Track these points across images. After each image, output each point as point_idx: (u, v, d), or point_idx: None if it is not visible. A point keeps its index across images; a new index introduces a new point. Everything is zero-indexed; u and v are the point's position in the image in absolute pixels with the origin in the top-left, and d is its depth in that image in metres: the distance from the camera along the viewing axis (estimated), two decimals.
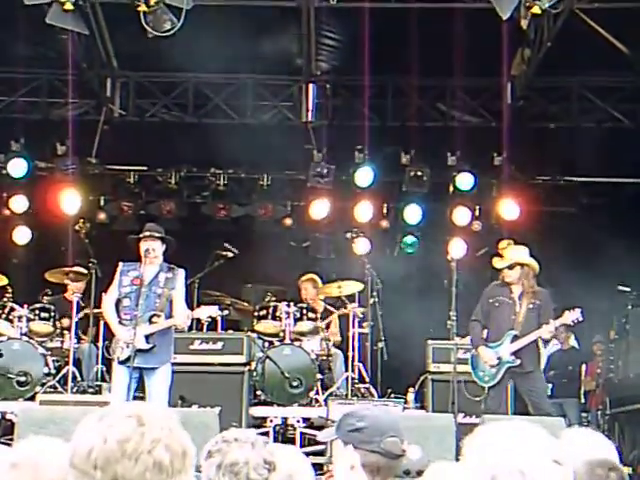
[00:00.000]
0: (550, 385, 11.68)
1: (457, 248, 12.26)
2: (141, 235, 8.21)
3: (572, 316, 8.47)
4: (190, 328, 10.29)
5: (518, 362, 8.51)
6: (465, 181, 12.52)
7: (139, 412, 1.64)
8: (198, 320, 10.33)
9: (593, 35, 10.33)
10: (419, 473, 3.62)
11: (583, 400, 12.57)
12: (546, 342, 11.94)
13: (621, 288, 11.10)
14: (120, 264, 8.30)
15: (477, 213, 12.85)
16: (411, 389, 10.33)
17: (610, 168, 12.39)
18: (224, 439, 2.78)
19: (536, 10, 8.37)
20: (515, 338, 8.54)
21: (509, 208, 12.50)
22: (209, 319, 10.36)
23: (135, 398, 8.30)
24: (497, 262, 8.76)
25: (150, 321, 8.07)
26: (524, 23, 8.93)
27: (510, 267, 8.66)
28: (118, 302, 8.19)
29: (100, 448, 1.61)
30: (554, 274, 13.02)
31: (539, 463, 1.84)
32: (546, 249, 12.31)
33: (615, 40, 10.53)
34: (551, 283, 13.32)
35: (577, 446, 3.03)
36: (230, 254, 10.96)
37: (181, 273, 8.27)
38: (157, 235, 8.21)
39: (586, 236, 11.16)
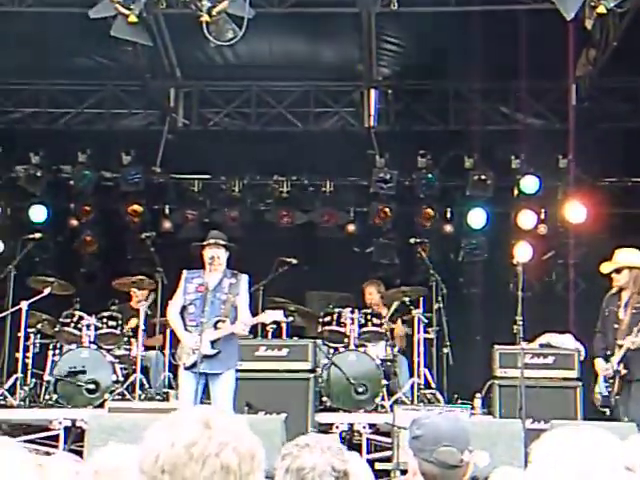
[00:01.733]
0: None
1: (523, 252, 12.11)
2: (205, 242, 8.27)
3: None
4: (255, 335, 10.35)
5: (623, 372, 8.32)
6: (530, 184, 12.38)
7: (206, 416, 1.64)
8: (263, 326, 10.39)
9: None
10: None
11: None
12: None
13: None
14: (184, 272, 8.37)
15: (542, 216, 12.69)
16: (478, 395, 10.23)
17: None
18: (297, 443, 2.79)
19: (601, 10, 8.22)
20: (620, 347, 8.34)
21: (575, 211, 12.32)
22: (274, 325, 10.45)
23: (202, 404, 8.36)
24: (605, 266, 8.53)
25: (215, 327, 8.13)
26: (589, 23, 8.77)
27: (617, 271, 8.43)
28: (183, 309, 8.27)
29: (167, 453, 1.61)
30: None
31: (609, 470, 1.80)
32: (613, 251, 12.12)
33: None
34: None
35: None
36: (294, 261, 10.98)
37: (244, 279, 8.32)
38: (222, 243, 8.27)
39: None
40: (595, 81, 11.58)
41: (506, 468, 3.08)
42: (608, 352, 8.48)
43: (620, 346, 8.30)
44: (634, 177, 12.64)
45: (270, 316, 8.52)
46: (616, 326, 8.37)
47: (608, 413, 11.06)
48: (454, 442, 3.08)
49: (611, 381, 8.45)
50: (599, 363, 8.54)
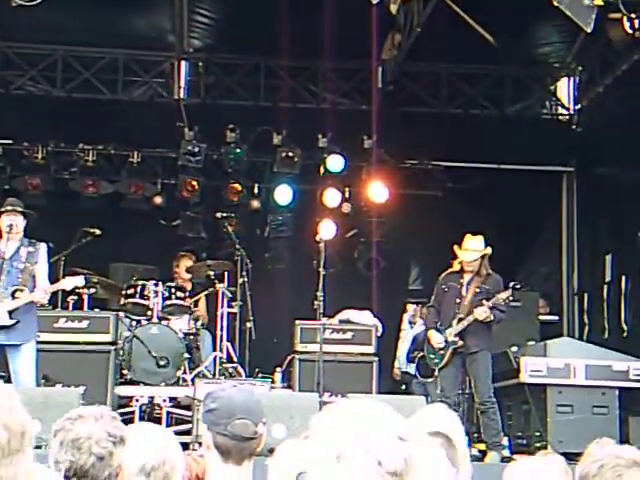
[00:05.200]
0: (414, 365, 11.96)
1: (327, 229, 12.35)
2: (2, 210, 8.02)
3: (503, 295, 8.73)
4: (55, 306, 10.11)
5: (460, 343, 8.76)
6: (335, 163, 12.62)
7: None
8: (64, 297, 10.16)
9: (461, 23, 10.56)
10: None
11: None
12: (411, 323, 12.24)
13: None
14: None
15: (347, 195, 12.97)
16: (278, 369, 10.40)
17: (474, 154, 12.72)
18: (68, 417, 2.81)
19: None
20: (460, 321, 8.79)
21: (378, 191, 12.66)
22: (75, 296, 10.24)
23: (1, 377, 8.13)
24: (463, 254, 8.84)
25: (13, 296, 7.90)
26: (393, 8, 9.03)
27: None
28: None
29: None
30: (420, 255, 13.34)
31: (383, 440, 1.90)
32: (413, 231, 12.59)
33: (481, 29, 10.80)
34: (417, 264, 13.69)
35: (422, 420, 3.14)
36: (98, 231, 10.77)
37: (43, 247, 8.13)
38: (19, 210, 8.04)
39: (451, 220, 11.42)
40: (400, 65, 11.93)
41: (292, 440, 3.16)
42: (440, 325, 8.93)
43: (460, 319, 8.77)
44: (434, 160, 13.11)
45: (70, 282, 8.32)
46: (458, 301, 8.84)
47: (404, 387, 11.54)
48: (248, 415, 3.11)
49: (442, 352, 8.86)
50: (433, 335, 8.93)
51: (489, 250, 8.90)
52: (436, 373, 9.06)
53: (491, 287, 8.86)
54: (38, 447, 2.48)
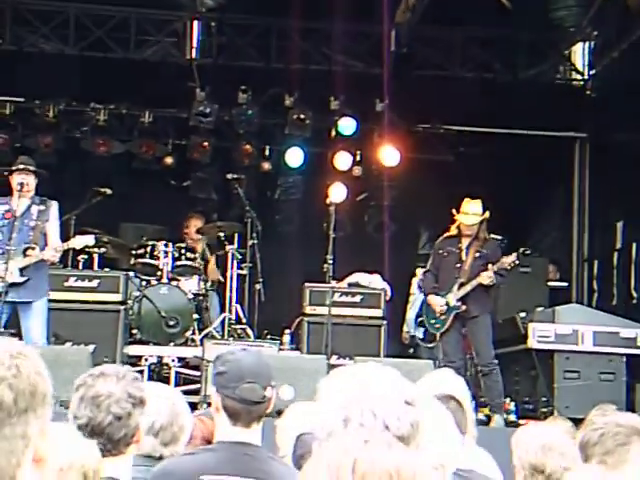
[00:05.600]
0: (422, 329, 11.99)
1: (337, 192, 12.33)
2: (14, 168, 8.02)
3: (509, 260, 8.72)
4: (65, 265, 10.15)
5: (464, 308, 8.75)
6: (347, 126, 12.58)
7: None
8: (74, 256, 10.19)
9: None
10: None
11: None
12: (420, 288, 12.26)
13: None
14: None
15: (358, 158, 12.93)
16: (287, 331, 10.43)
17: (487, 118, 12.65)
18: (90, 373, 2.83)
19: None
20: (462, 285, 8.77)
21: (389, 154, 12.62)
22: (85, 255, 10.27)
23: (12, 335, 8.18)
24: (466, 219, 8.81)
25: (25, 254, 7.93)
26: None
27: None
28: None
29: None
30: (430, 219, 13.32)
31: (390, 404, 1.91)
32: (423, 196, 12.56)
33: None
34: (427, 228, 13.67)
35: (429, 385, 3.16)
36: (109, 191, 10.77)
37: (54, 205, 8.14)
38: (31, 169, 8.04)
39: (462, 184, 11.37)
40: (414, 28, 11.83)
41: (301, 403, 3.18)
42: (438, 290, 8.92)
43: (462, 284, 8.75)
44: (446, 124, 13.04)
45: (80, 241, 8.34)
46: (458, 265, 8.82)
47: (412, 351, 11.58)
48: (257, 378, 3.12)
49: (443, 317, 8.86)
50: (434, 299, 8.93)
51: (487, 214, 8.87)
52: (438, 338, 9.06)
53: (489, 251, 8.84)
54: None
